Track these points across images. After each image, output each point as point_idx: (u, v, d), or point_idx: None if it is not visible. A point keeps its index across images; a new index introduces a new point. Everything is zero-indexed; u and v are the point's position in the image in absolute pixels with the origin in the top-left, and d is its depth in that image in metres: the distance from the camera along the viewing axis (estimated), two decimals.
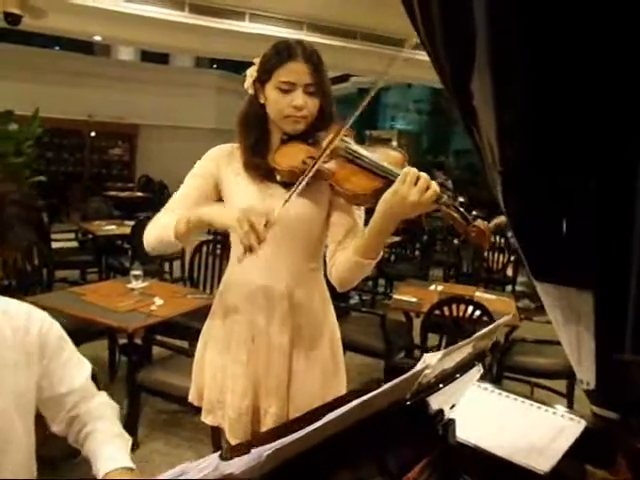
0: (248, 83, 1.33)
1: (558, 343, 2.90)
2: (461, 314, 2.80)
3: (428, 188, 1.09)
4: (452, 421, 0.67)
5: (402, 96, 18.90)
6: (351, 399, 1.15)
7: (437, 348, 3.47)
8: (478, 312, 2.77)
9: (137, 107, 10.42)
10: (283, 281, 1.34)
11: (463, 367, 0.61)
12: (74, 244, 5.51)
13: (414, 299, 3.30)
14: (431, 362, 0.54)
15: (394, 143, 13.16)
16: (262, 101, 1.32)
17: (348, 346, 3.40)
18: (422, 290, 3.59)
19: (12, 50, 9.65)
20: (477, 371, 0.66)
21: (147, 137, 10.75)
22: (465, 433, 0.76)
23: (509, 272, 5.82)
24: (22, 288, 3.37)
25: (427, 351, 2.81)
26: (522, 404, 0.87)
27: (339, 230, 1.33)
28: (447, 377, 0.58)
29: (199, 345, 1.47)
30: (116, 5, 4.30)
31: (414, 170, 1.11)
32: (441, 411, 0.64)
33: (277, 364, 1.34)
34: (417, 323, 3.29)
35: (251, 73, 1.33)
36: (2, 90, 8.34)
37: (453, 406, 0.67)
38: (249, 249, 1.10)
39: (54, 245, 5.23)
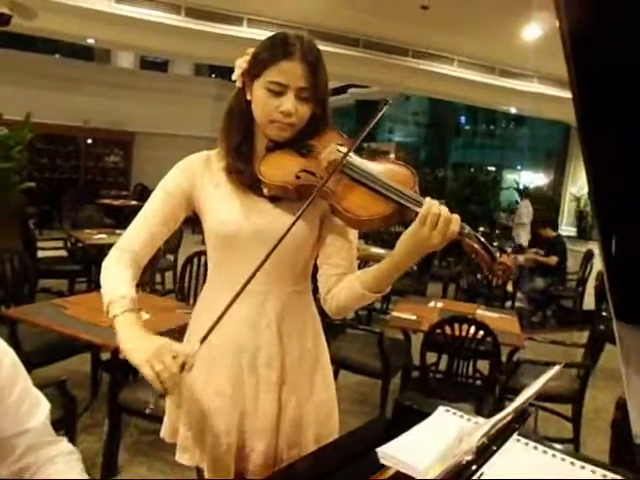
0: (236, 74, 1.18)
1: (565, 365, 2.75)
2: (463, 334, 2.66)
3: (448, 227, 0.99)
4: None
5: (400, 108, 18.93)
6: (349, 440, 1.01)
7: (436, 366, 3.33)
8: (481, 332, 2.63)
9: (134, 114, 10.31)
10: (271, 309, 1.19)
11: (503, 434, 0.48)
12: (63, 253, 5.35)
13: (413, 317, 3.18)
14: (471, 444, 0.41)
15: (392, 156, 13.10)
16: (249, 98, 1.17)
17: (343, 365, 3.27)
18: (421, 307, 3.46)
19: (10, 56, 9.60)
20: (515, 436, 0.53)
21: (143, 145, 10.62)
22: None
23: (509, 287, 5.72)
24: (6, 299, 3.21)
25: (426, 370, 2.69)
26: (556, 461, 0.74)
27: (333, 251, 1.19)
28: (484, 451, 0.46)
29: None
30: (109, 7, 4.19)
31: (434, 209, 0.99)
32: None
33: (265, 400, 1.19)
34: (415, 340, 3.16)
35: (240, 64, 1.17)
36: None
37: (481, 474, 0.54)
38: (162, 394, 0.94)
39: (43, 253, 5.07)
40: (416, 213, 1.01)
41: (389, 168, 1.12)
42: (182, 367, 0.94)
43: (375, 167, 1.11)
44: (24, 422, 0.90)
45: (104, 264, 1.15)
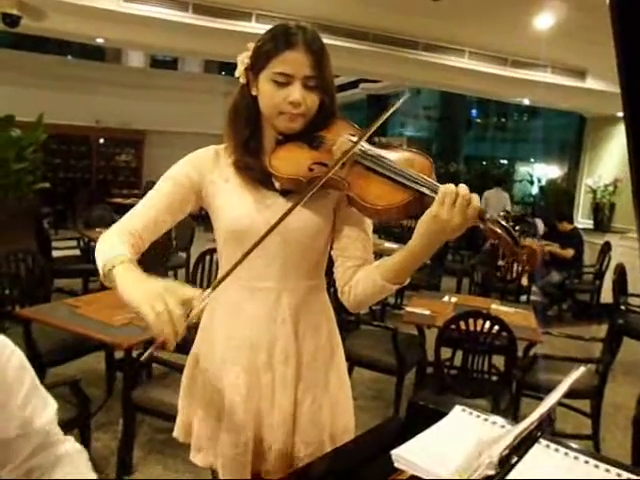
0: (239, 71, 1.15)
1: (584, 361, 2.71)
2: (478, 329, 2.62)
3: (469, 204, 0.95)
4: None
5: (411, 102, 18.78)
6: (364, 441, 0.99)
7: (450, 362, 3.29)
8: (497, 327, 2.59)
9: (145, 113, 10.35)
10: (286, 305, 1.17)
11: (525, 444, 0.46)
12: (77, 252, 5.39)
13: (427, 312, 3.15)
14: (493, 457, 0.38)
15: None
16: (254, 93, 1.15)
17: (357, 361, 3.25)
18: (435, 302, 3.43)
19: (22, 57, 9.70)
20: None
21: (154, 143, 10.67)
22: None
23: (524, 281, 5.65)
24: (20, 298, 3.23)
25: (441, 366, 2.66)
26: (579, 463, 0.71)
27: (348, 243, 1.16)
28: (505, 462, 0.43)
29: (187, 369, 1.29)
30: (117, 6, 4.19)
31: (451, 187, 0.95)
32: None
33: (282, 397, 1.17)
34: (429, 334, 3.14)
35: (242, 60, 1.15)
36: (10, 96, 8.31)
37: None
38: (161, 344, 0.85)
39: (57, 253, 5.11)
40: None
41: (405, 156, 1.09)
42: (188, 314, 0.85)
43: (391, 155, 1.08)
44: (31, 423, 0.88)
45: (99, 238, 1.09)
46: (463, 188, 0.95)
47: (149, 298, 0.86)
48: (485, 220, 0.96)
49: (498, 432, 0.69)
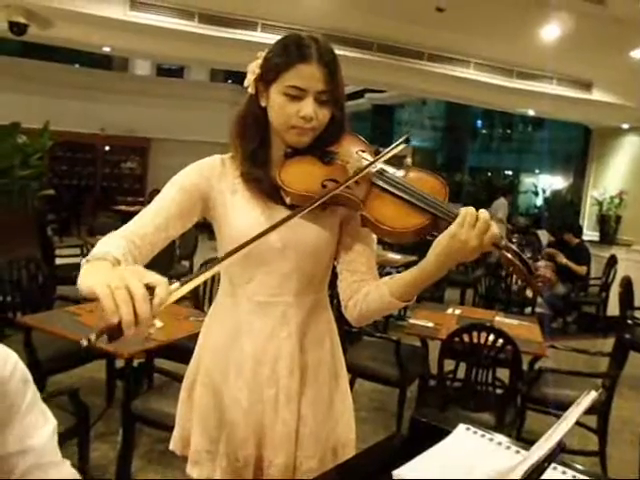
0: (249, 80, 1.13)
1: (589, 375, 2.66)
2: (482, 341, 2.59)
3: (487, 230, 0.95)
4: None
5: (417, 113, 18.83)
6: (365, 458, 0.96)
7: (453, 374, 3.26)
8: (501, 340, 2.56)
9: (150, 121, 10.39)
10: (292, 319, 1.16)
11: (532, 476, 0.44)
12: (81, 260, 5.38)
13: (431, 324, 3.12)
14: None
15: (409, 160, 13.00)
16: (263, 104, 1.12)
17: (359, 373, 3.22)
18: (439, 314, 3.40)
19: (30, 65, 9.77)
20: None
21: (159, 151, 10.69)
22: None
23: (529, 293, 5.61)
24: (22, 306, 3.22)
25: (444, 379, 2.62)
26: None
27: (354, 257, 1.15)
28: None
29: (185, 382, 1.27)
30: (123, 15, 4.22)
31: (472, 210, 0.95)
32: None
33: (286, 411, 1.15)
34: (433, 346, 3.10)
35: (253, 69, 1.12)
36: (17, 103, 8.37)
37: None
38: (115, 331, 0.69)
39: (60, 260, 5.11)
40: (450, 224, 0.98)
41: (419, 177, 1.08)
42: (151, 301, 0.71)
43: (407, 177, 1.08)
44: (27, 439, 0.84)
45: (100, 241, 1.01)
46: (484, 213, 0.95)
47: (107, 278, 0.72)
48: (501, 248, 0.96)
49: (503, 455, 0.67)
